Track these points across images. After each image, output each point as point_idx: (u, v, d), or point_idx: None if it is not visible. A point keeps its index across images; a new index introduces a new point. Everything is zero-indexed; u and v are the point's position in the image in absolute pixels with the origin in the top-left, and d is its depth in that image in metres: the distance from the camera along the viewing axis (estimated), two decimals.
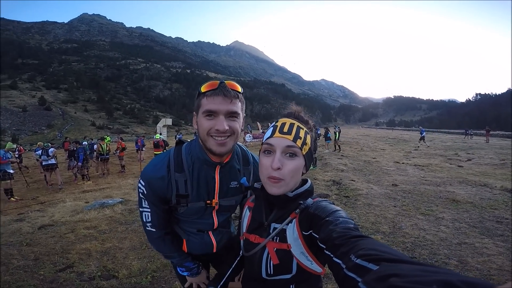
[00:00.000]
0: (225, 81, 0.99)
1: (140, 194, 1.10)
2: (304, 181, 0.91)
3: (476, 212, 4.57)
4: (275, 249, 0.83)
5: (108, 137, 15.00)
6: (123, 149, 12.97)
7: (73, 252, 3.37)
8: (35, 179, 11.58)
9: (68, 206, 5.82)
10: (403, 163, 10.77)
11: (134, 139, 24.07)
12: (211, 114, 0.95)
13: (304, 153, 0.83)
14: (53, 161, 9.62)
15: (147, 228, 1.14)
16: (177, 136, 28.02)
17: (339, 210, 0.75)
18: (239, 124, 1.01)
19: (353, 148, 17.96)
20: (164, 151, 9.74)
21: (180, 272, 1.28)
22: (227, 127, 0.95)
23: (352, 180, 7.44)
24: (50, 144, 11.30)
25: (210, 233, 1.23)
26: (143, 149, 14.63)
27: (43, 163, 9.60)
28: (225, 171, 1.12)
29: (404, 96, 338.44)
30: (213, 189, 1.11)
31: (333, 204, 0.81)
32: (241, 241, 0.98)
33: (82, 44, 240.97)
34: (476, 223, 4.07)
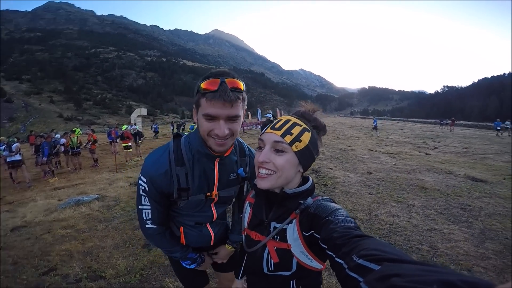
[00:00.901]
0: (226, 79, 0.93)
1: (141, 191, 1.09)
2: (305, 180, 0.90)
3: (442, 199, 4.90)
4: (275, 248, 0.85)
5: (78, 129, 14.12)
6: (95, 141, 12.29)
7: (53, 254, 3.24)
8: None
9: (40, 205, 5.55)
10: (376, 151, 11.23)
11: (106, 131, 22.87)
12: (211, 118, 0.95)
13: (296, 150, 0.81)
14: (18, 157, 8.82)
15: (146, 225, 1.14)
16: (153, 126, 27.12)
17: (339, 209, 0.75)
18: (239, 124, 1.02)
19: (330, 136, 18.44)
20: (139, 142, 9.32)
21: (187, 266, 1.28)
22: (227, 131, 0.96)
23: (330, 168, 7.65)
24: (16, 139, 10.50)
25: (208, 225, 1.26)
26: (117, 141, 13.95)
27: (7, 160, 8.79)
28: (224, 163, 1.14)
29: (378, 86, 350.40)
30: (212, 181, 1.13)
31: (333, 202, 0.82)
32: (243, 236, 1.01)
33: (47, 33, 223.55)
34: (443, 210, 4.37)
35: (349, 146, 12.83)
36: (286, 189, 0.85)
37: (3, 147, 9.26)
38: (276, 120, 0.87)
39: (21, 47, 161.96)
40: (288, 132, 0.82)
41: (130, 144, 12.09)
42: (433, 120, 49.36)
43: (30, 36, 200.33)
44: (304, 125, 0.84)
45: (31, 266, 3.00)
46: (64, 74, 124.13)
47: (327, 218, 0.71)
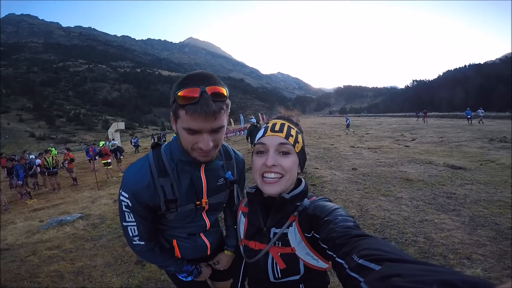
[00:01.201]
0: (207, 88, 0.83)
1: (124, 207, 1.01)
2: (299, 182, 0.90)
3: (428, 189, 5.07)
4: (279, 253, 0.83)
5: (53, 149, 13.48)
6: (72, 160, 11.82)
7: (43, 275, 3.07)
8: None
9: (21, 227, 5.27)
10: (358, 147, 11.54)
11: (84, 148, 21.99)
12: (193, 131, 0.88)
13: (297, 151, 0.83)
14: None
15: (134, 242, 1.07)
16: (133, 140, 26.33)
17: (338, 208, 0.74)
18: (223, 133, 0.96)
19: (312, 136, 18.76)
20: (120, 158, 9.01)
21: (183, 279, 1.22)
22: (211, 144, 0.90)
23: (316, 168, 7.75)
24: None
25: (202, 235, 1.20)
26: (96, 158, 13.49)
27: None
28: (210, 168, 1.09)
29: (353, 85, 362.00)
30: (201, 189, 1.08)
31: (330, 202, 0.82)
32: (241, 247, 0.97)
33: (9, 47, 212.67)
34: (431, 200, 4.50)
35: (332, 144, 13.10)
36: (284, 194, 0.83)
37: None
38: (272, 124, 0.85)
39: None
40: (289, 134, 0.82)
41: (109, 160, 11.67)
42: (409, 113, 51.63)
43: None
44: (295, 128, 0.86)
45: None
46: (32, 90, 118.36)
47: (326, 218, 0.71)
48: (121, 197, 1.00)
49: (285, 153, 0.81)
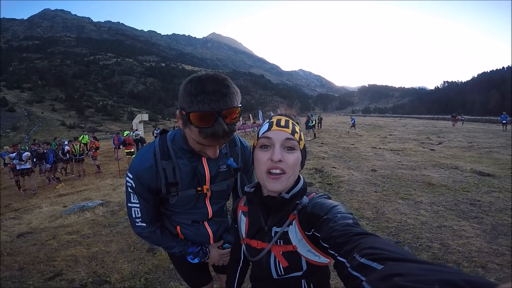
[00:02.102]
0: (223, 112, 0.83)
1: (129, 188, 1.05)
2: (297, 179, 0.88)
3: (450, 195, 4.83)
4: (281, 252, 0.83)
5: (86, 136, 14.26)
6: (97, 148, 12.46)
7: (59, 259, 3.23)
8: (5, 186, 10.86)
9: (45, 212, 5.56)
10: (379, 148, 11.18)
11: (110, 137, 23.05)
12: (202, 144, 0.92)
13: (301, 148, 0.83)
14: (27, 165, 9.10)
15: (136, 224, 1.10)
16: (155, 131, 27.12)
17: (337, 206, 0.74)
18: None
19: (332, 135, 18.43)
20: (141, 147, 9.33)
21: (191, 261, 1.21)
22: (218, 152, 0.97)
23: (334, 167, 7.62)
24: (27, 147, 10.71)
25: (206, 223, 1.21)
26: (120, 147, 14.12)
27: (17, 168, 9.04)
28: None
29: (378, 84, 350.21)
30: (203, 176, 1.09)
31: (330, 199, 0.81)
32: (243, 245, 0.98)
33: (45, 40, 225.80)
34: (452, 206, 4.30)
35: (352, 144, 12.80)
36: (283, 194, 0.81)
37: (14, 155, 9.47)
38: (276, 119, 0.84)
39: (20, 55, 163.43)
40: (294, 130, 0.81)
41: (132, 150, 12.13)
42: (437, 116, 48.60)
43: (28, 44, 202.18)
44: (298, 126, 0.86)
45: (37, 272, 2.99)
46: (65, 82, 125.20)
47: (325, 217, 0.70)
48: (127, 178, 1.05)
49: (290, 149, 0.80)
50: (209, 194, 1.14)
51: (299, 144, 0.82)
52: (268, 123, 0.85)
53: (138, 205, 1.07)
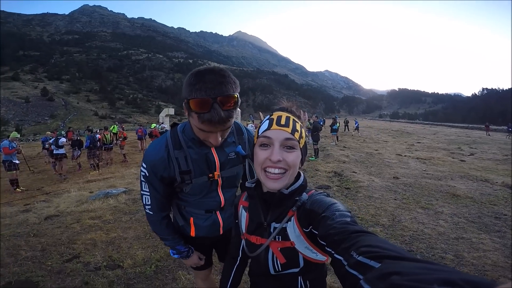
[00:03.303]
0: (218, 98, 0.89)
1: (142, 177, 1.15)
2: (297, 175, 0.88)
3: (475, 207, 4.58)
4: (279, 248, 0.83)
5: (116, 126, 15.05)
6: (125, 138, 13.05)
7: (79, 243, 3.43)
8: (40, 169, 11.69)
9: (73, 196, 5.90)
10: (405, 155, 10.74)
11: (135, 129, 23.93)
12: (204, 131, 0.99)
13: (301, 146, 0.81)
14: (62, 151, 9.71)
15: (146, 210, 1.20)
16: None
17: (335, 203, 0.73)
18: (231, 126, 1.05)
19: (356, 139, 17.91)
20: None
21: (172, 255, 1.33)
22: (220, 139, 1.01)
23: (354, 172, 7.46)
24: (64, 133, 11.41)
25: (218, 213, 1.27)
26: (145, 138, 14.72)
27: (54, 152, 9.71)
28: (221, 146, 1.17)
29: (409, 88, 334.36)
30: (213, 163, 1.16)
31: (328, 196, 0.80)
32: (243, 240, 0.98)
33: (84, 35, 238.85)
34: (475, 218, 4.09)
35: (376, 150, 12.40)
36: (283, 190, 0.82)
37: (52, 140, 10.19)
38: (276, 117, 0.82)
39: (61, 49, 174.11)
40: (294, 129, 0.80)
41: None
42: (471, 125, 45.14)
43: (68, 38, 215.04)
44: (299, 122, 0.84)
45: (57, 253, 3.19)
46: (100, 75, 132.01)
47: (324, 214, 0.69)
48: (141, 168, 1.15)
49: (290, 148, 0.79)
50: (220, 181, 1.20)
51: (299, 143, 0.80)
52: (268, 120, 0.83)
53: (148, 193, 1.16)
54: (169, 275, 2.68)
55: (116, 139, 13.56)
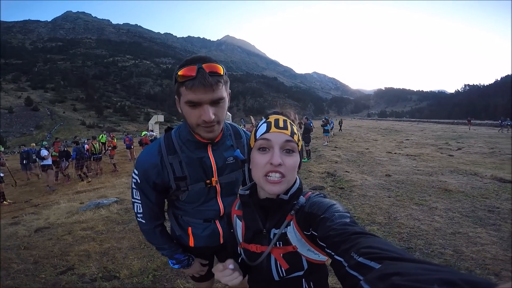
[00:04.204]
0: (203, 65, 0.91)
1: (133, 184, 1.09)
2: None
3: (468, 201, 4.66)
4: (281, 254, 0.81)
5: (104, 136, 14.81)
6: (114, 147, 12.86)
7: (72, 254, 3.33)
8: (27, 182, 11.36)
9: (63, 208, 5.73)
10: (395, 153, 10.92)
11: (123, 138, 23.54)
12: (194, 104, 0.93)
13: (299, 149, 0.81)
14: (47, 162, 9.56)
15: (138, 219, 1.14)
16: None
17: (334, 204, 0.72)
18: (225, 108, 1.00)
19: (346, 139, 18.13)
20: None
21: (171, 265, 1.26)
22: (213, 116, 0.94)
23: (347, 171, 7.52)
24: (45, 143, 11.21)
25: (217, 222, 1.21)
26: (132, 147, 14.53)
27: (41, 163, 9.56)
28: (218, 148, 1.11)
29: (395, 87, 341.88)
30: (210, 168, 1.10)
31: (326, 197, 0.79)
32: (240, 250, 0.94)
33: (67, 42, 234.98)
34: (469, 212, 4.15)
35: (367, 148, 12.57)
36: (282, 195, 0.80)
37: (34, 150, 10.12)
38: (274, 120, 0.80)
39: (45, 57, 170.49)
40: (293, 132, 0.79)
41: None
42: (457, 121, 46.12)
43: (52, 45, 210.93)
44: (295, 125, 0.83)
45: (50, 266, 3.08)
46: (86, 83, 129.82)
47: (323, 216, 0.68)
48: (133, 174, 1.09)
49: (289, 151, 0.77)
50: (218, 188, 1.14)
51: (298, 145, 0.79)
52: (265, 124, 0.81)
53: (140, 201, 1.10)
54: (167, 284, 2.62)
55: (105, 149, 13.32)
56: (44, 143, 11.66)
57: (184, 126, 1.08)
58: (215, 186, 1.13)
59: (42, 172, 9.78)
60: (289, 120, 0.82)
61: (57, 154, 10.81)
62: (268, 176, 0.76)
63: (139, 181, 1.06)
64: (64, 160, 10.80)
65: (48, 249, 3.55)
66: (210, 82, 0.90)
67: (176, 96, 1.01)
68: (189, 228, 1.20)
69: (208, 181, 1.11)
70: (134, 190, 1.10)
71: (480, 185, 5.58)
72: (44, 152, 9.62)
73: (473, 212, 4.12)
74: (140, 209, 1.11)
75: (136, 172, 1.07)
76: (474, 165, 7.83)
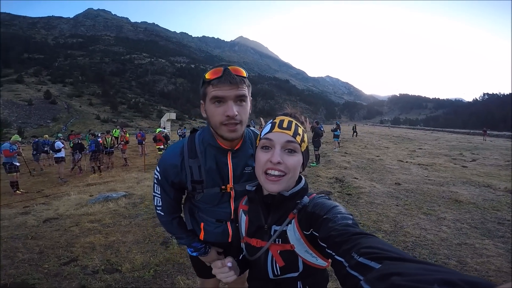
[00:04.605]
0: (229, 67, 0.99)
1: (155, 179, 1.17)
2: (299, 179, 0.89)
3: (478, 213, 4.55)
4: (278, 251, 0.83)
5: (118, 130, 15.12)
6: (126, 142, 13.09)
7: (77, 246, 3.41)
8: (40, 172, 11.70)
9: (73, 199, 5.89)
10: (407, 162, 10.71)
11: (135, 133, 23.96)
12: (219, 100, 0.97)
13: (302, 150, 0.82)
14: (60, 154, 9.79)
15: (157, 211, 1.23)
16: (178, 131, 27.82)
17: (337, 206, 0.73)
18: (247, 109, 1.03)
19: (357, 145, 17.87)
20: (166, 146, 9.76)
21: (190, 252, 1.34)
22: (236, 112, 0.97)
23: (355, 178, 7.43)
24: (60, 136, 11.53)
25: (228, 223, 1.25)
26: (144, 142, 14.76)
27: (54, 156, 9.81)
28: (238, 156, 1.14)
29: (410, 94, 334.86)
30: (227, 175, 1.14)
31: (330, 199, 0.80)
32: (242, 244, 0.98)
33: (88, 39, 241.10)
34: (478, 224, 4.06)
35: (378, 156, 12.37)
36: (283, 192, 0.82)
37: (48, 142, 10.25)
38: (279, 120, 0.84)
39: (65, 52, 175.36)
40: (296, 132, 0.81)
41: (162, 146, 12.58)
42: (473, 131, 44.34)
43: (73, 41, 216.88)
44: (302, 126, 0.86)
45: (55, 256, 3.17)
46: (103, 79, 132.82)
47: (325, 216, 0.70)
48: (155, 171, 1.17)
49: (291, 151, 0.80)
50: (233, 194, 1.17)
51: (301, 146, 0.81)
52: (270, 124, 0.85)
53: (159, 196, 1.18)
54: (168, 280, 2.65)
55: (118, 143, 13.59)
56: (59, 135, 11.96)
57: (207, 130, 1.12)
58: (230, 192, 1.17)
59: (55, 164, 10.01)
60: (296, 122, 0.85)
61: (72, 146, 11.12)
62: (268, 173, 0.80)
63: (159, 177, 1.14)
64: (78, 153, 11.08)
65: (54, 239, 3.65)
66: (236, 80, 0.96)
67: (201, 101, 1.07)
68: (202, 224, 1.26)
69: (223, 187, 1.15)
70: (155, 185, 1.18)
71: (493, 197, 5.43)
72: (59, 145, 9.88)
73: (483, 224, 4.03)
74: (159, 203, 1.20)
75: (158, 169, 1.14)
76: (488, 177, 7.59)
